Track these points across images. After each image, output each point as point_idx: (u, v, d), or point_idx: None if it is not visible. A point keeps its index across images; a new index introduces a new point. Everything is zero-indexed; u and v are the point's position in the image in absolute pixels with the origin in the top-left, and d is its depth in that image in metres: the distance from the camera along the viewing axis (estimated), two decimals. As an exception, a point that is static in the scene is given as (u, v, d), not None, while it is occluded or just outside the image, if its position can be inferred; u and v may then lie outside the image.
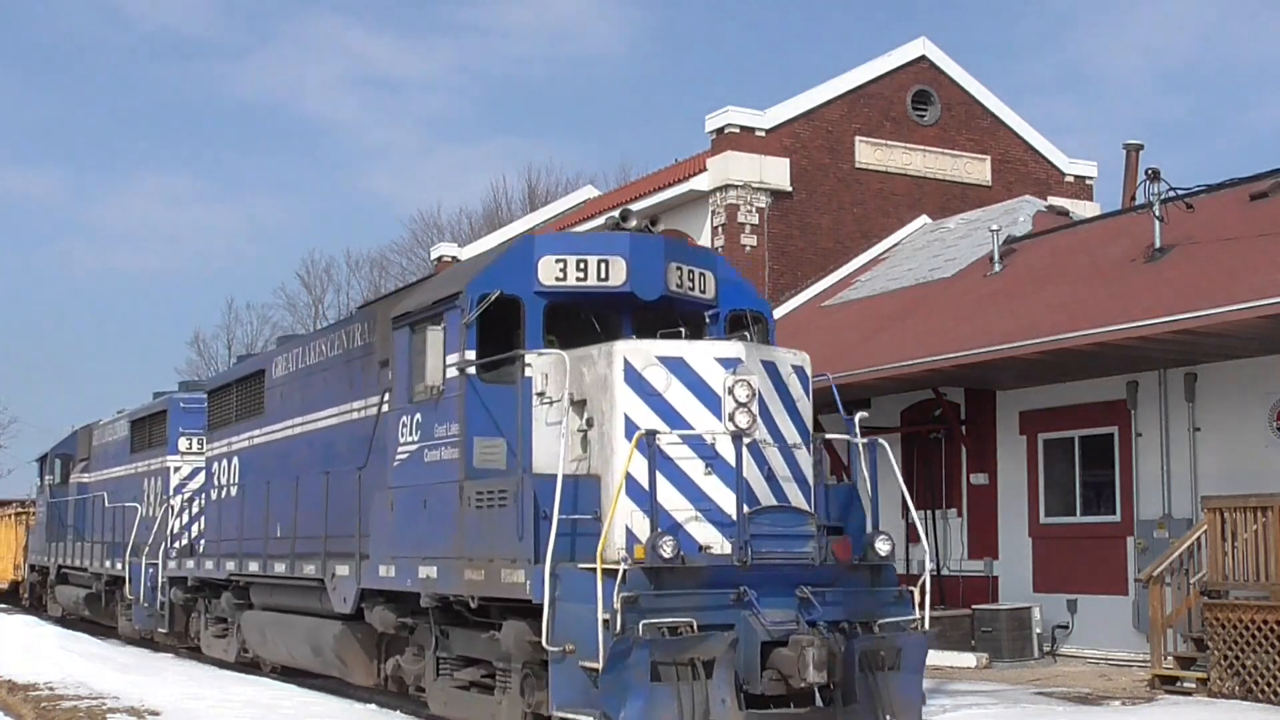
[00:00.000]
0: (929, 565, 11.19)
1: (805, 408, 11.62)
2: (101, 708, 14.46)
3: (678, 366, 10.95)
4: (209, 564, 18.99)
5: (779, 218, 30.06)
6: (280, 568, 16.11)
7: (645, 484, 10.46)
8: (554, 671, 10.39)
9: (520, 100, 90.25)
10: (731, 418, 10.82)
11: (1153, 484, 18.61)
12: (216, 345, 69.04)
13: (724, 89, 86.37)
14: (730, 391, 10.86)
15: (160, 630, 22.08)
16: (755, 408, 10.89)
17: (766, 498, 10.88)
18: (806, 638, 10.12)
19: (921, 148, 32.25)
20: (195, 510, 22.22)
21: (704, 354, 11.02)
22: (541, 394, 11.75)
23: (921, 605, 11.13)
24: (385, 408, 13.52)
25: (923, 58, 32.59)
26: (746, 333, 12.78)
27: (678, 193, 30.41)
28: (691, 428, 10.79)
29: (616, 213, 12.52)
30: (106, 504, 26.03)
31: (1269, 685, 14.21)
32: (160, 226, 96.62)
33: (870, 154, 31.65)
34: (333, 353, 16.25)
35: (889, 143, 31.86)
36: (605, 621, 9.91)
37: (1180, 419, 18.34)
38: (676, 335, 11.89)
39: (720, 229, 29.46)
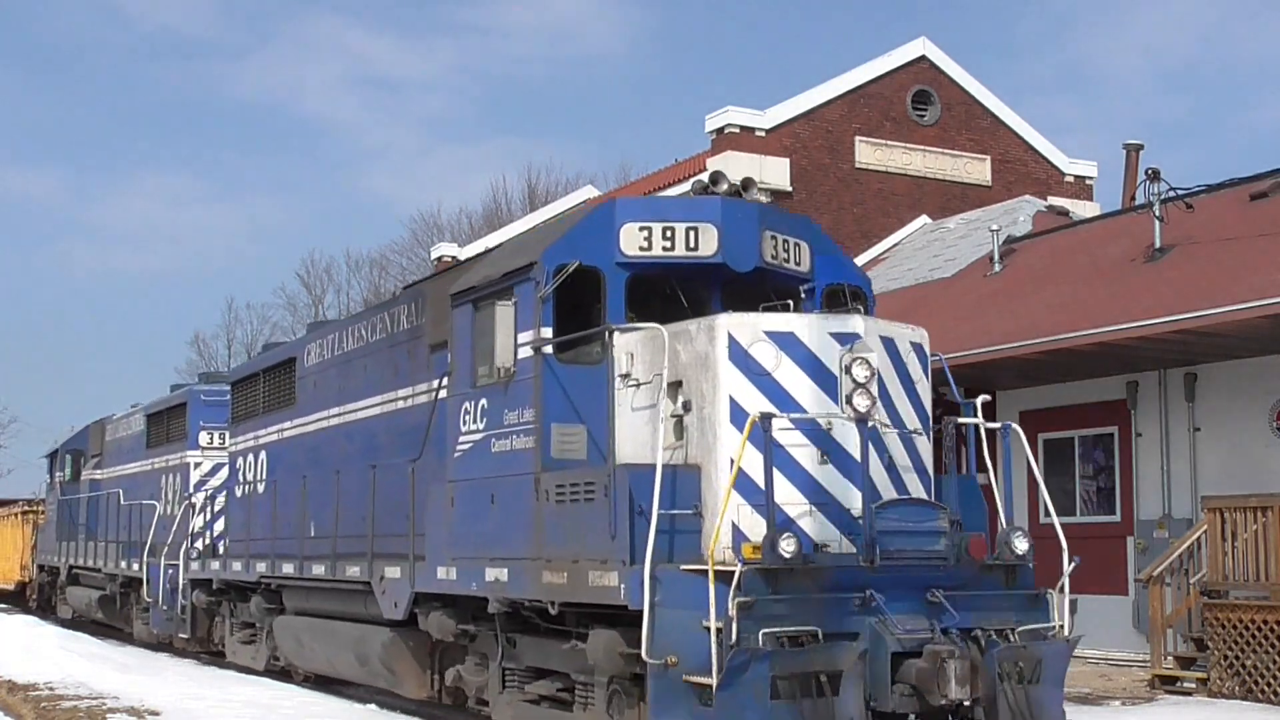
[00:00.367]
0: (1067, 567, 9.96)
1: (924, 389, 10.41)
2: (101, 708, 14.35)
3: (788, 342, 9.74)
4: (236, 565, 17.77)
5: (779, 218, 29.48)
6: (319, 570, 14.89)
7: (755, 474, 9.26)
8: (653, 686, 9.18)
9: (520, 100, 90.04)
10: (849, 400, 9.61)
11: (1153, 484, 18.70)
12: (216, 345, 69.12)
13: (724, 89, 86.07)
14: (847, 370, 9.65)
15: (181, 636, 20.84)
16: (875, 389, 9.69)
17: (887, 490, 9.67)
18: (946, 648, 8.91)
19: (921, 148, 32.19)
20: (217, 508, 21.00)
21: (817, 328, 9.80)
22: (626, 375, 10.55)
23: (1061, 610, 9.91)
24: (443, 394, 12.30)
25: (923, 58, 32.49)
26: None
27: (678, 193, 29.41)
28: (804, 411, 9.58)
29: (705, 175, 11.28)
30: (122, 501, 24.79)
31: (1269, 685, 14.25)
32: (160, 226, 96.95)
33: (870, 154, 31.48)
34: (374, 337, 15.03)
35: (889, 143, 31.74)
36: (718, 630, 8.71)
37: (1180, 419, 18.41)
38: (779, 310, 10.67)
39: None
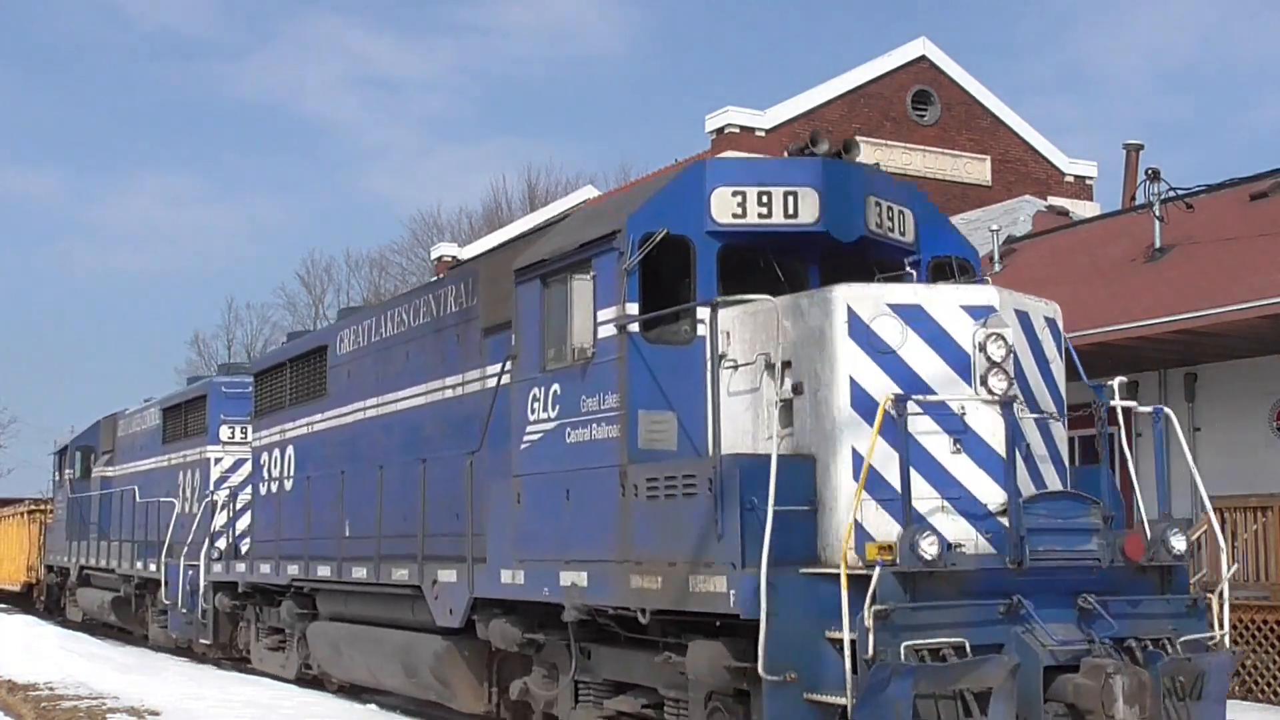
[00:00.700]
0: (1227, 569, 8.86)
1: (1059, 370, 9.33)
2: (101, 708, 14.25)
3: (915, 316, 8.64)
4: (264, 568, 16.65)
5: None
6: (360, 572, 13.78)
7: (879, 465, 8.19)
8: (770, 705, 8.08)
9: (520, 100, 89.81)
10: (984, 381, 8.52)
11: (1153, 484, 18.24)
12: (216, 345, 68.96)
13: (724, 89, 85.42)
14: (981, 348, 8.56)
15: (202, 641, 19.72)
16: (1011, 368, 8.60)
17: (1025, 483, 8.57)
18: (1110, 662, 7.81)
19: (921, 148, 32.12)
20: (239, 506, 19.89)
21: (948, 301, 8.70)
22: (722, 356, 9.45)
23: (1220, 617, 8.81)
24: (505, 379, 11.19)
25: (923, 58, 32.39)
26: (953, 285, 10.46)
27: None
28: (933, 393, 8.48)
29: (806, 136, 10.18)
30: (138, 499, 23.66)
31: (1269, 685, 14.30)
32: (160, 226, 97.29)
33: (870, 154, 31.78)
34: (417, 322, 13.93)
35: (889, 143, 31.57)
36: (851, 643, 7.61)
37: (1180, 419, 18.19)
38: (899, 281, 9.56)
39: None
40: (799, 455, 8.67)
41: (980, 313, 8.64)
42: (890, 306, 8.62)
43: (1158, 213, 18.97)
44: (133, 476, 25.76)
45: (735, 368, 9.32)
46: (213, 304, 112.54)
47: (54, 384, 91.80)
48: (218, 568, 18.65)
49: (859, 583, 7.79)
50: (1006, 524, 8.28)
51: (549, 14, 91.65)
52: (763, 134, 29.59)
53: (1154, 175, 19.18)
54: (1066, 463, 9.21)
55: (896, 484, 8.28)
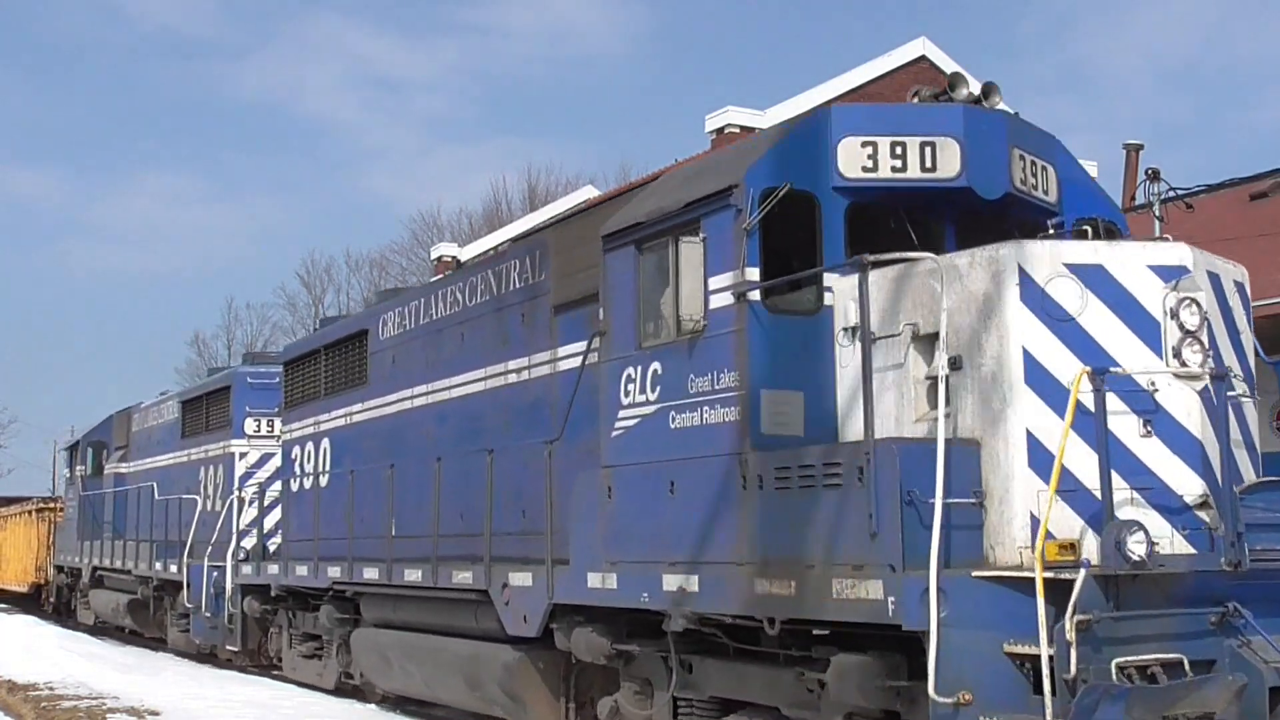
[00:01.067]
0: None
1: (1248, 341, 8.13)
2: (101, 708, 14.23)
3: (1096, 278, 7.46)
4: (301, 569, 15.44)
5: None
6: (414, 575, 12.56)
7: (1066, 450, 6.99)
8: (938, 733, 6.90)
9: (521, 100, 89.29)
10: (1176, 353, 7.34)
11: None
12: (216, 345, 68.72)
13: (724, 89, 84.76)
14: (1173, 315, 7.38)
15: (229, 648, 18.52)
16: (1206, 337, 7.41)
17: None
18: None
19: None
20: (266, 503, 18.69)
21: (1133, 260, 7.51)
22: (854, 328, 8.27)
23: None
24: (592, 359, 10.00)
25: (922, 57, 31.60)
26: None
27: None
28: (1118, 366, 7.29)
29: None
30: (156, 496, 22.45)
31: None
32: (160, 226, 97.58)
33: None
34: (473, 301, 12.74)
35: None
36: (1049, 659, 6.43)
37: None
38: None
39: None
40: (961, 440, 7.47)
41: (1171, 274, 7.46)
42: (1068, 267, 7.43)
43: (1157, 213, 18.39)
44: (149, 473, 24.55)
45: (873, 341, 8.12)
46: (213, 304, 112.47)
47: (54, 384, 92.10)
48: (247, 569, 17.44)
49: (1049, 588, 6.61)
50: (1206, 519, 7.12)
51: (549, 14, 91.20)
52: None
53: (1154, 175, 18.69)
54: (1259, 447, 8.02)
55: (1076, 471, 7.12)
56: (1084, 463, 7.13)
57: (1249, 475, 7.72)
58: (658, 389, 9.09)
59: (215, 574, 19.42)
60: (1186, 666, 6.54)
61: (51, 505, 33.07)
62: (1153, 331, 7.37)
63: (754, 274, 8.37)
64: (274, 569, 16.35)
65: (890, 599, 7.05)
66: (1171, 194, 18.25)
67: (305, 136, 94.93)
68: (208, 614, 19.53)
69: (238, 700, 14.86)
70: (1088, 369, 6.88)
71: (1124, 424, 7.25)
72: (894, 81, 30.80)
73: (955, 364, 7.59)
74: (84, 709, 14.19)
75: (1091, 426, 7.04)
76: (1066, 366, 7.23)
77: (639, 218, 9.37)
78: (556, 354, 11.33)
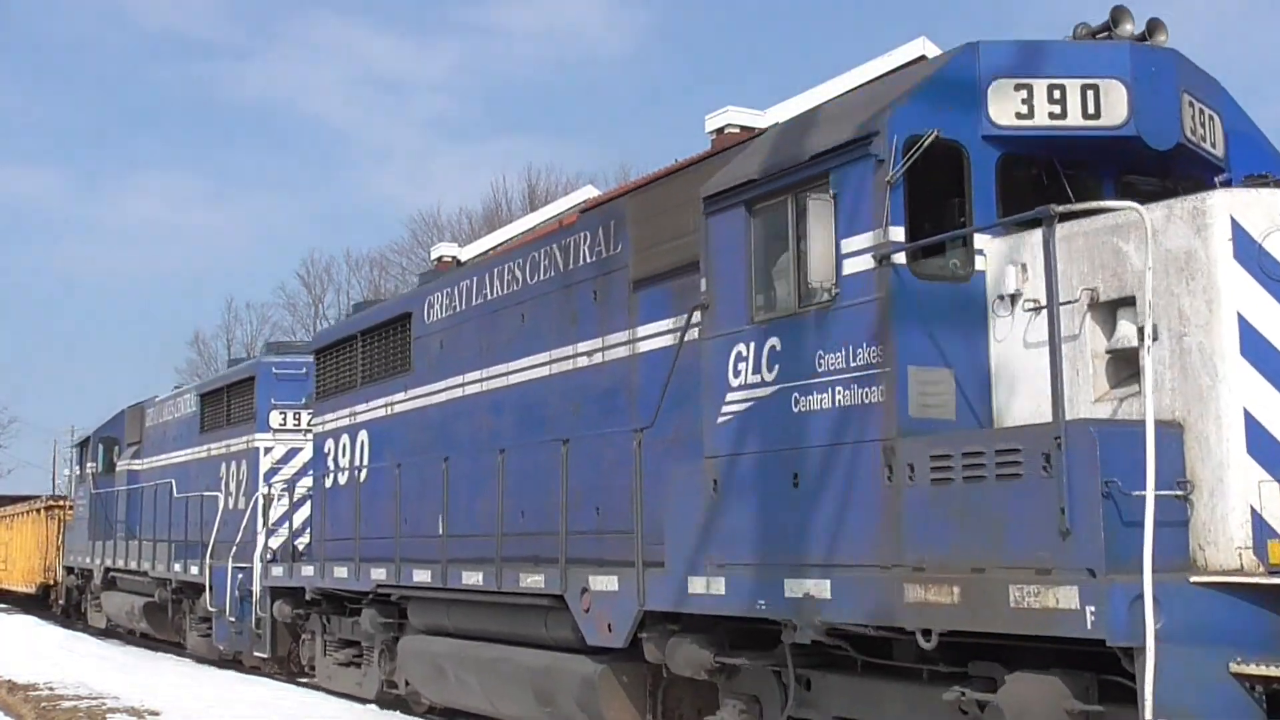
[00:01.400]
0: None
1: None
2: (101, 708, 14.14)
3: (1320, 232, 6.36)
4: (340, 571, 14.34)
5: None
6: (473, 578, 11.46)
7: (1290, 435, 5.92)
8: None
9: (521, 101, 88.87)
10: None
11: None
12: (216, 345, 68.71)
13: (724, 89, 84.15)
14: None
15: (257, 654, 17.42)
16: None
17: None
18: None
19: None
20: (294, 500, 17.62)
21: (1364, 212, 6.41)
22: (1015, 296, 7.20)
23: None
24: (692, 335, 8.92)
25: (922, 57, 30.66)
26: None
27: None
28: (1350, 337, 6.20)
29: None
30: (175, 494, 21.34)
31: None
32: (161, 226, 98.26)
33: None
34: (536, 278, 11.67)
35: None
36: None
37: None
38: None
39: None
40: (1160, 422, 6.37)
41: (1405, 229, 6.36)
42: (1289, 218, 6.35)
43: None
44: (164, 470, 23.46)
45: (1037, 310, 7.04)
46: (213, 304, 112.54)
47: (54, 384, 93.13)
48: (277, 571, 16.34)
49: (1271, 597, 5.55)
50: None
51: (550, 14, 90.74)
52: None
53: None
54: None
55: (1303, 459, 6.04)
56: (1313, 448, 6.06)
57: None
58: (775, 368, 8.00)
59: (240, 576, 18.34)
60: None
61: (61, 504, 31.96)
62: (1387, 294, 6.29)
63: (898, 234, 7.29)
64: (308, 571, 15.24)
65: (1089, 609, 5.96)
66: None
67: (306, 137, 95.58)
68: (232, 618, 18.45)
69: (238, 700, 14.77)
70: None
71: (1357, 403, 6.17)
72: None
73: (1149, 335, 6.49)
74: (84, 709, 14.04)
75: (1322, 406, 5.97)
76: (1289, 333, 6.16)
77: (750, 174, 8.28)
78: (636, 334, 10.26)
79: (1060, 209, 6.43)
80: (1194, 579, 5.90)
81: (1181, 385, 6.38)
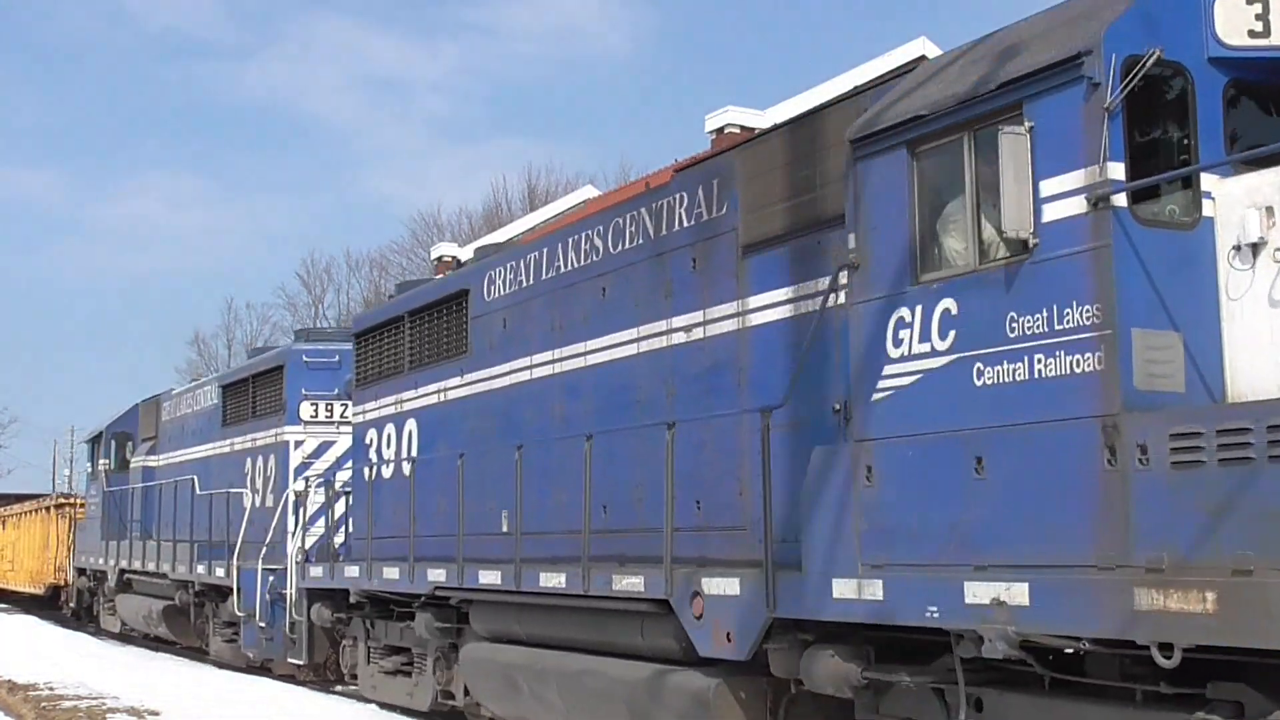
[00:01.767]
0: None
1: None
2: (101, 708, 14.16)
3: None
4: (390, 571, 13.15)
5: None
6: (554, 580, 10.28)
7: None
8: None
9: (522, 101, 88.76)
10: None
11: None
12: (216, 345, 68.64)
13: (724, 89, 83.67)
14: None
15: (293, 661, 16.24)
16: None
17: None
18: None
19: None
20: (331, 496, 16.42)
21: None
22: (1255, 245, 6.04)
23: None
24: (835, 300, 7.77)
25: (922, 57, 30.16)
26: None
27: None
28: None
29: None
30: (197, 491, 20.15)
31: None
32: (161, 227, 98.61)
33: None
34: (620, 247, 10.52)
35: None
36: None
37: None
38: None
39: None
40: None
41: None
42: None
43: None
44: (182, 466, 22.28)
45: (1285, 261, 5.88)
46: (213, 304, 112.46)
47: (54, 384, 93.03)
48: (316, 571, 15.14)
49: None
50: None
51: (550, 14, 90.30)
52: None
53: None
54: None
55: None
56: None
57: None
58: (950, 334, 6.83)
59: (271, 578, 17.18)
60: None
61: (71, 502, 30.74)
62: None
63: (1117, 171, 6.12)
64: (353, 571, 14.05)
65: None
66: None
67: (306, 137, 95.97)
68: (262, 623, 17.28)
69: (238, 700, 14.72)
70: None
71: None
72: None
73: None
74: (84, 709, 14.06)
75: None
76: None
77: (915, 110, 7.11)
78: (747, 304, 9.11)
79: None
80: None
81: None
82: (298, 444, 18.00)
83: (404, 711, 13.63)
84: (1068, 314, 6.20)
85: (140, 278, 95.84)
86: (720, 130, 30.22)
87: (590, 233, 10.99)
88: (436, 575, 12.18)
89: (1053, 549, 6.22)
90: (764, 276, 8.94)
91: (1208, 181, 6.26)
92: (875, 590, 7.17)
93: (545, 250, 11.62)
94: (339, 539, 16.12)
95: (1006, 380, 6.50)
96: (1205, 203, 6.26)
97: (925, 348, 6.96)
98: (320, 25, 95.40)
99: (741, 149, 9.35)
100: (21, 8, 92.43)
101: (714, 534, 9.28)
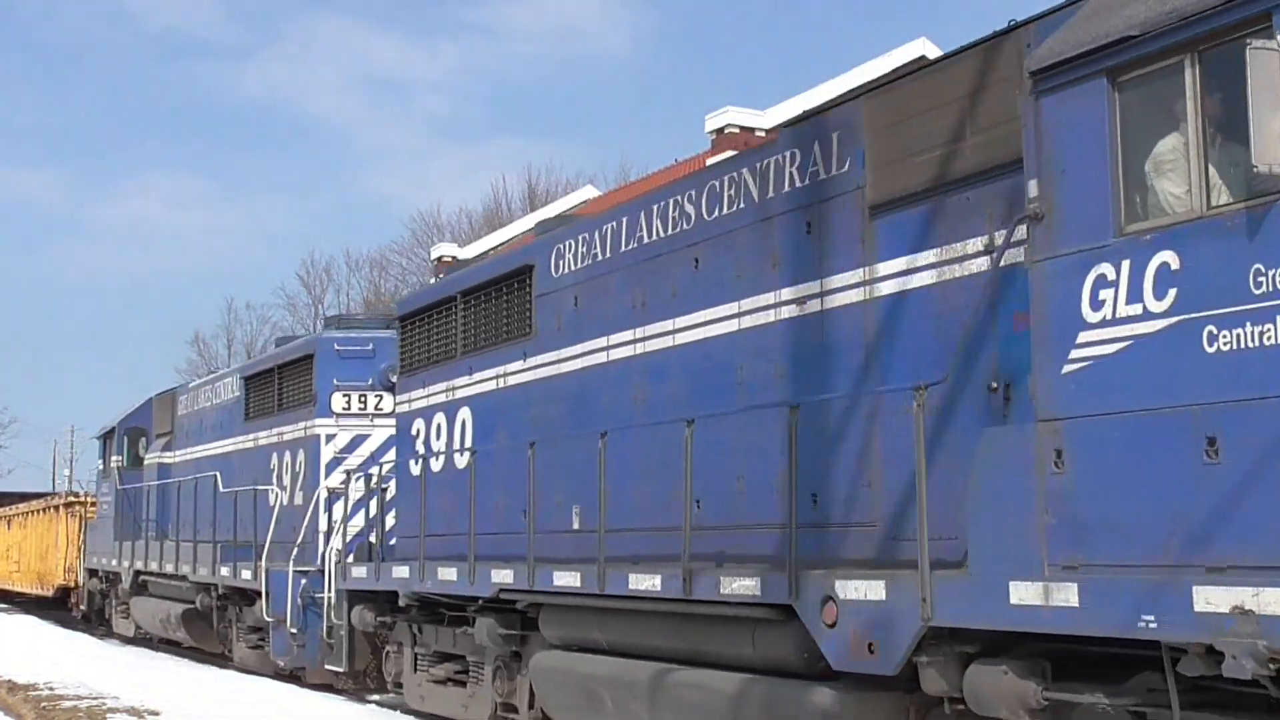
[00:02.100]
0: None
1: None
2: (101, 708, 14.09)
3: None
4: (447, 572, 12.07)
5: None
6: (648, 582, 9.20)
7: None
8: None
9: (522, 101, 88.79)
10: None
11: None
12: (216, 345, 68.79)
13: (724, 89, 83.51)
14: None
15: (331, 668, 15.15)
16: None
17: None
18: None
19: None
20: (369, 491, 15.37)
21: None
22: None
23: None
24: (994, 261, 6.74)
25: (922, 57, 32.32)
26: None
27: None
28: None
29: None
30: (220, 488, 19.08)
31: None
32: (161, 227, 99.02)
33: None
34: (715, 213, 9.53)
35: None
36: None
37: None
38: None
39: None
40: None
41: None
42: None
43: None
44: (201, 462, 21.23)
45: None
46: (213, 304, 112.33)
47: (53, 384, 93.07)
48: (359, 572, 14.06)
49: None
50: None
51: (550, 15, 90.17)
52: (762, 134, 27.44)
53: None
54: None
55: None
56: None
57: None
58: (1171, 293, 5.79)
59: (304, 581, 16.12)
60: None
61: (81, 501, 29.65)
62: None
63: None
64: (402, 572, 12.97)
65: None
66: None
67: (306, 137, 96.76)
68: (294, 629, 16.22)
69: (238, 700, 14.67)
70: None
71: None
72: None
73: None
74: (84, 709, 13.99)
75: None
76: None
77: (1122, 31, 6.05)
78: (875, 271, 8.10)
79: None
80: None
81: None
82: (329, 438, 16.94)
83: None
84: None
85: (140, 278, 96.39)
86: (720, 130, 29.40)
87: (680, 198, 9.95)
88: (502, 576, 11.12)
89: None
90: (897, 239, 7.92)
91: None
92: (1068, 595, 6.12)
93: (625, 219, 10.58)
94: (375, 537, 15.06)
95: (1250, 345, 5.46)
96: None
97: (1135, 309, 5.92)
98: (320, 25, 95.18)
99: (869, 97, 8.29)
100: (21, 8, 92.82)
101: (833, 531, 8.26)
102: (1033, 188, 6.48)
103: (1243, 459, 5.46)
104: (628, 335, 10.44)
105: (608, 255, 10.77)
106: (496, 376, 12.35)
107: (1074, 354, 6.19)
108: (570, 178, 59.33)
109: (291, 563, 16.28)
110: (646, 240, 10.30)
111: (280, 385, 18.42)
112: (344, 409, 16.99)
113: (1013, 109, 6.85)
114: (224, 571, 18.27)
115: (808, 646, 7.91)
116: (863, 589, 7.38)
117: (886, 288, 8.01)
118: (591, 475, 10.17)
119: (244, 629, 18.45)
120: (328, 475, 16.66)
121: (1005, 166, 7.12)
